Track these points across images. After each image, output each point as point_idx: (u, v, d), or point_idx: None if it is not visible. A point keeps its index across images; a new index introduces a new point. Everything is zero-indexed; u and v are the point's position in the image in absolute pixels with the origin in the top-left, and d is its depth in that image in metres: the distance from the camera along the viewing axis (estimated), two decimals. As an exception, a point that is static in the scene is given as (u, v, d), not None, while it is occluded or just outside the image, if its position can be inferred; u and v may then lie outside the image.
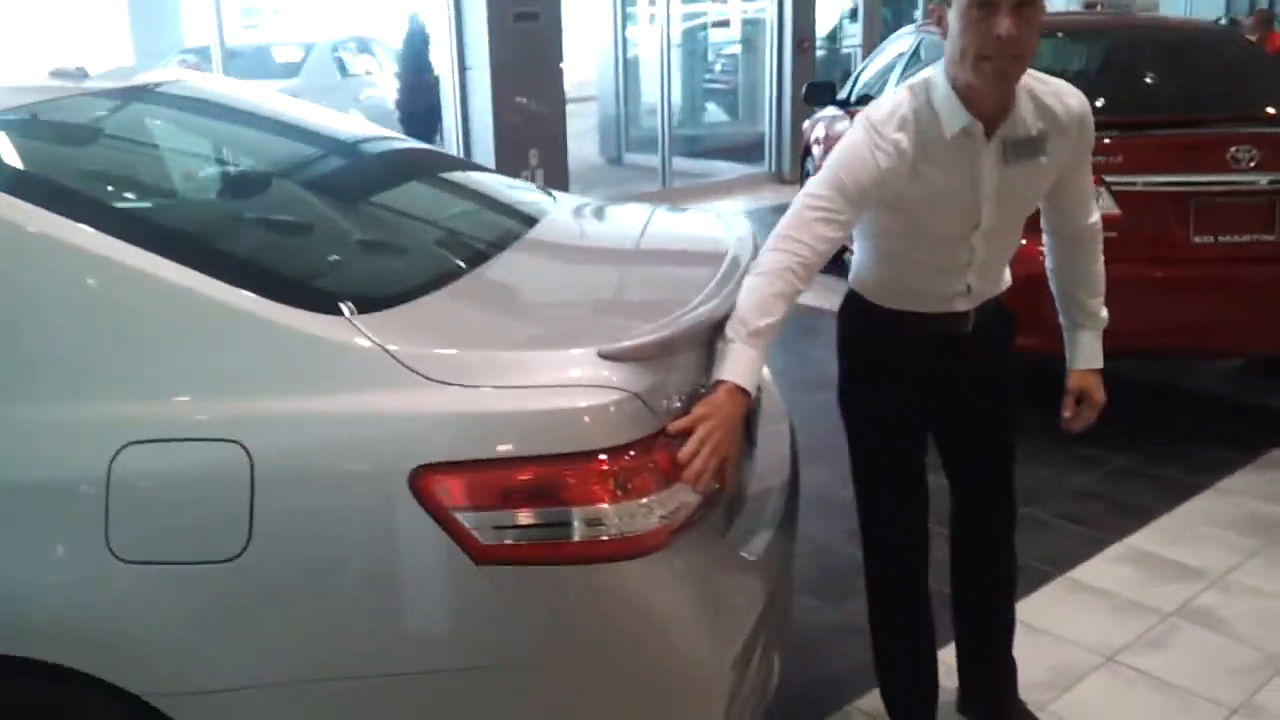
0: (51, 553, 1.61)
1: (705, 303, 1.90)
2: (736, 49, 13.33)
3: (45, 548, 1.61)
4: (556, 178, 8.49)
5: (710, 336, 1.87)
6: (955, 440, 2.39)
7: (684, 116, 13.38)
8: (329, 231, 2.14)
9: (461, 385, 1.61)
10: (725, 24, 13.63)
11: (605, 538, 1.62)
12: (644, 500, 1.65)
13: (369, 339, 1.64)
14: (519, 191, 2.67)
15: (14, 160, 1.90)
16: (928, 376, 2.25)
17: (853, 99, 6.58)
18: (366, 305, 1.72)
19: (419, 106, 9.16)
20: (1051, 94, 2.08)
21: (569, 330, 1.84)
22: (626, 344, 1.70)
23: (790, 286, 1.92)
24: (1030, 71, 2.07)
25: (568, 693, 1.65)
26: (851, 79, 7.09)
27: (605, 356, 1.68)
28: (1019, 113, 2.02)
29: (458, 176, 2.72)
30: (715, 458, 1.74)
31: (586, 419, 1.62)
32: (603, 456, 1.61)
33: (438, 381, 1.61)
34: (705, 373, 1.86)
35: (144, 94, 2.37)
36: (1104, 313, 2.34)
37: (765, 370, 2.81)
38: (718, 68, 14.50)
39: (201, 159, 2.34)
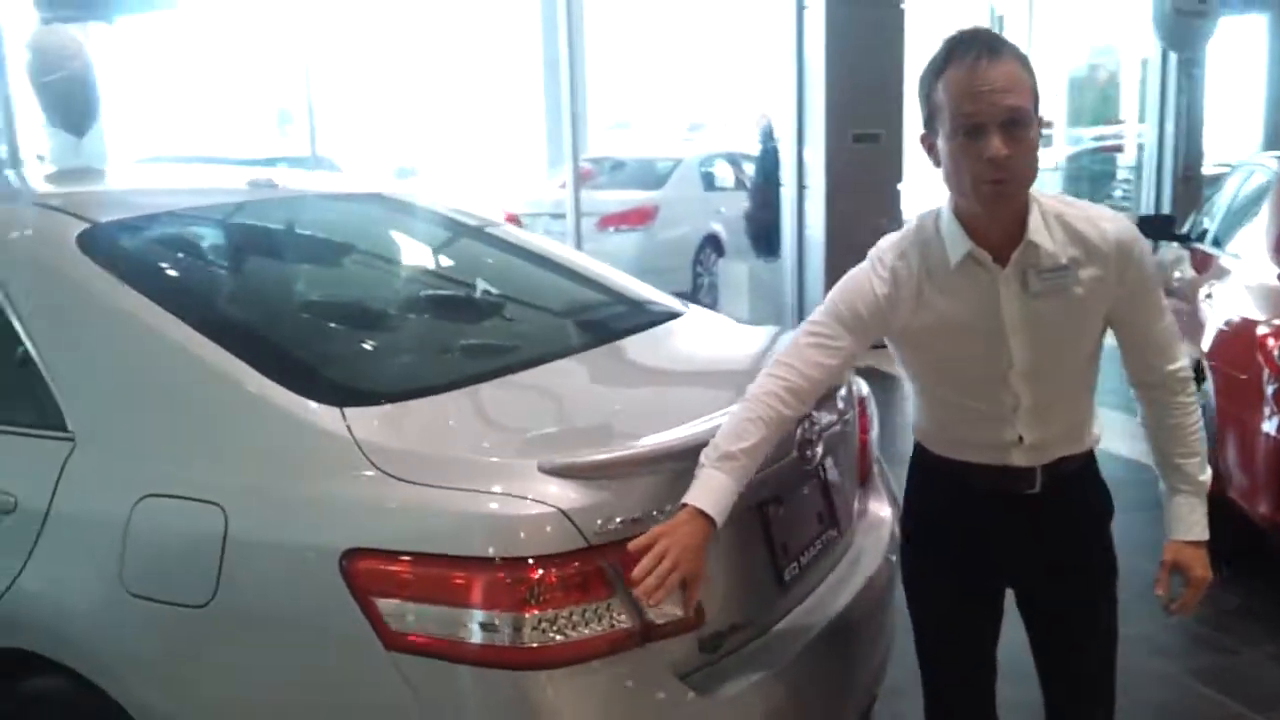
0: (83, 576, 1.92)
1: (677, 428, 1.91)
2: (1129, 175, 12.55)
3: (80, 572, 1.92)
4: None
5: (682, 462, 1.86)
6: (1032, 625, 2.14)
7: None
8: (382, 329, 2.37)
9: (403, 480, 1.74)
10: (1118, 149, 12.89)
11: (503, 644, 1.66)
12: (551, 615, 1.68)
13: (346, 429, 1.81)
14: (636, 306, 2.76)
15: (132, 246, 2.29)
16: (993, 542, 2.06)
17: (1194, 234, 5.97)
18: (368, 399, 1.91)
19: (766, 218, 9.48)
20: (1084, 218, 1.89)
21: (533, 442, 1.91)
22: (565, 461, 1.75)
23: (772, 412, 1.87)
24: (1063, 197, 1.92)
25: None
26: (1196, 212, 6.46)
27: (544, 471, 1.74)
28: (1039, 238, 1.86)
29: (571, 285, 2.86)
30: (676, 574, 1.72)
31: (504, 527, 1.69)
32: (513, 565, 1.67)
33: (386, 474, 1.75)
34: (674, 498, 1.84)
35: (292, 202, 2.77)
36: (1204, 475, 2.03)
37: (885, 509, 2.68)
38: (1118, 193, 13.72)
39: (307, 255, 2.68)
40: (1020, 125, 1.77)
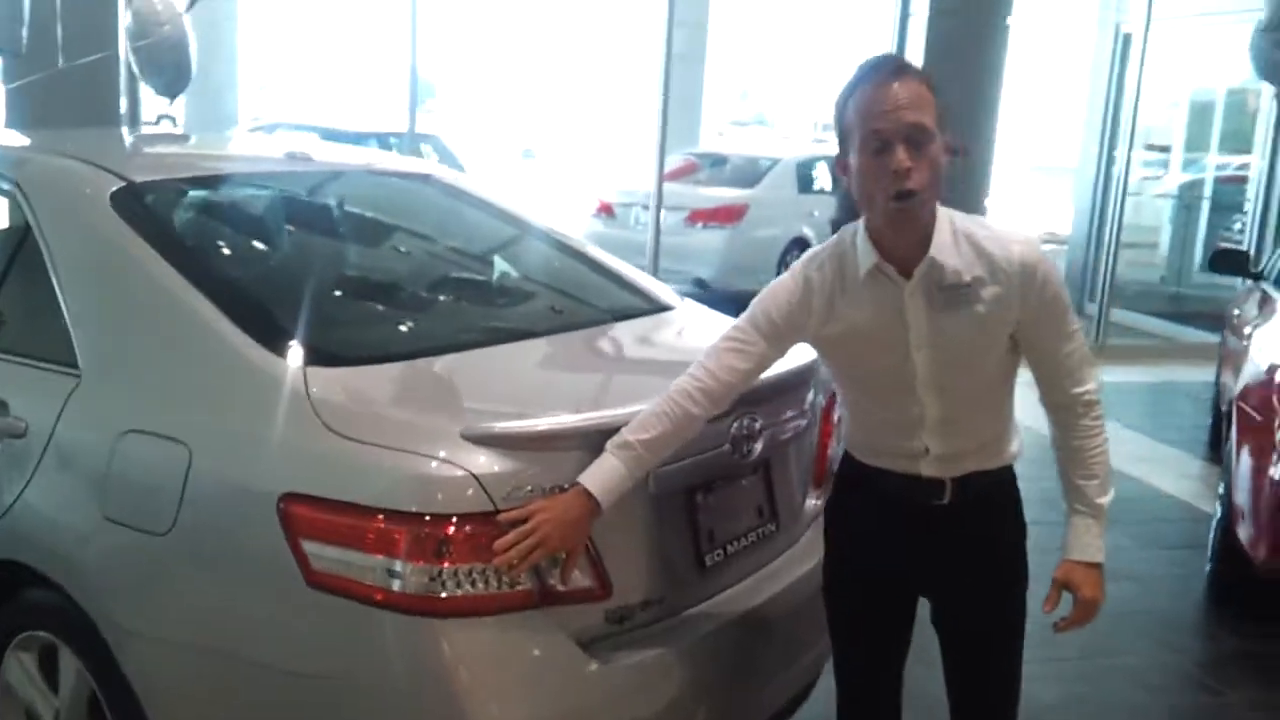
0: (73, 499, 2.18)
1: (604, 411, 2.08)
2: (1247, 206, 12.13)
3: (69, 495, 2.19)
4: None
5: (597, 442, 2.01)
6: (941, 634, 2.23)
7: (1171, 274, 12.45)
8: (365, 298, 2.59)
9: (342, 435, 1.94)
10: (1240, 179, 12.45)
11: (408, 591, 1.85)
12: (453, 570, 1.86)
13: (303, 386, 2.02)
14: (627, 296, 2.92)
15: (157, 206, 2.52)
16: (906, 552, 2.14)
17: (1267, 272, 5.82)
18: (330, 361, 2.11)
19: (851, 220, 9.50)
20: (993, 239, 1.99)
21: (467, 411, 2.08)
22: (485, 430, 1.93)
23: (678, 409, 2.01)
24: (977, 218, 2.02)
25: (356, 712, 1.90)
26: (1275, 249, 6.30)
27: (466, 438, 1.93)
28: (941, 255, 1.96)
29: (572, 272, 3.02)
30: (540, 551, 1.89)
31: (420, 486, 1.88)
32: (422, 521, 1.85)
33: (329, 429, 1.95)
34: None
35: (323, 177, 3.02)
36: (1103, 499, 2.10)
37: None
38: (1237, 226, 13.27)
39: (312, 226, 2.91)
40: (923, 140, 1.88)
